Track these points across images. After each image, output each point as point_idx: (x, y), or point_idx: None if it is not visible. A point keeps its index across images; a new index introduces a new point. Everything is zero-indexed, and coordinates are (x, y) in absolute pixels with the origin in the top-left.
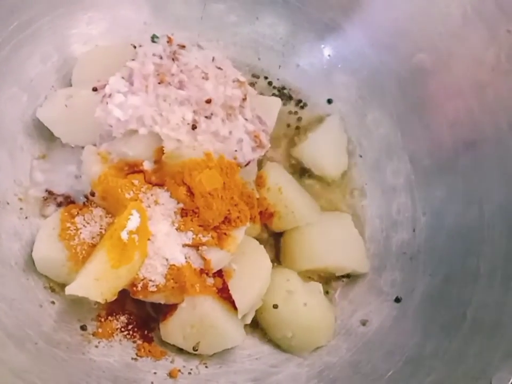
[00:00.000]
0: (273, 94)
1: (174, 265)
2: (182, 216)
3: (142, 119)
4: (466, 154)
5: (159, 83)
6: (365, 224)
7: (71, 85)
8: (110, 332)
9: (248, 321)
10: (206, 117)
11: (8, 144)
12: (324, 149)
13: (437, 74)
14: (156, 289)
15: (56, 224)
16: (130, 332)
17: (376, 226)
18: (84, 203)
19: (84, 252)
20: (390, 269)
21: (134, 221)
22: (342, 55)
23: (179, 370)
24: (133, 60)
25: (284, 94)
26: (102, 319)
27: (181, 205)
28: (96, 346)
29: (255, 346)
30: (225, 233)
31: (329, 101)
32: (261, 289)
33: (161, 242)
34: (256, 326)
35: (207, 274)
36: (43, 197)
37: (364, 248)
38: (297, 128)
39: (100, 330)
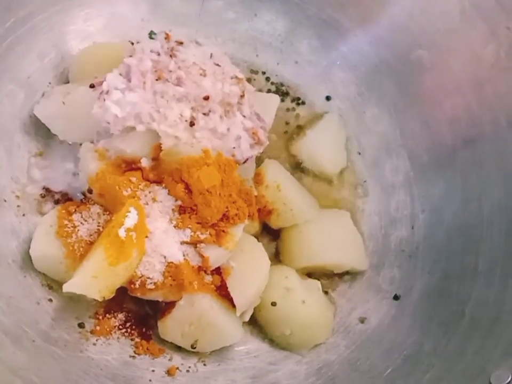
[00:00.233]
0: (272, 91)
1: (172, 262)
2: (180, 214)
3: (140, 116)
4: (465, 151)
5: (156, 80)
6: (363, 221)
7: (68, 82)
8: (108, 329)
9: (247, 318)
10: (204, 114)
11: (5, 141)
12: (322, 146)
13: (436, 71)
14: (153, 286)
15: (54, 221)
16: (128, 330)
17: (375, 224)
18: (81, 200)
19: (81, 249)
20: (388, 266)
21: (131, 218)
22: (341, 51)
23: (177, 368)
24: (130, 56)
25: (282, 91)
26: (100, 317)
27: (179, 202)
28: (94, 344)
29: (253, 344)
30: (223, 231)
31: (328, 98)
32: (259, 286)
33: (159, 240)
34: (255, 324)
35: (205, 271)
36: (40, 194)
37: (363, 245)
38: (296, 125)
39: (97, 328)
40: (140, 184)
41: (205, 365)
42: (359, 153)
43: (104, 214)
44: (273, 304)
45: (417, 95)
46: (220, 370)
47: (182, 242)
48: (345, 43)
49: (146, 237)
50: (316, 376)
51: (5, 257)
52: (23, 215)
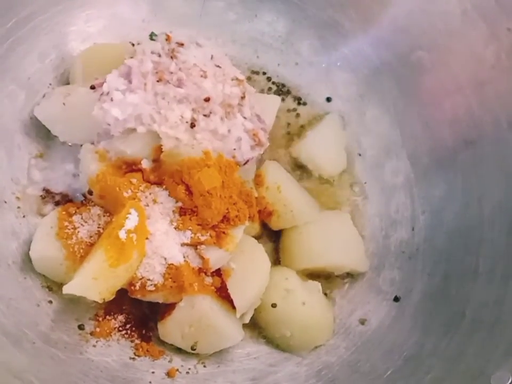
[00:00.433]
0: (272, 92)
1: (172, 264)
2: (180, 215)
3: (140, 117)
4: (466, 152)
5: (157, 81)
6: (364, 223)
7: (69, 83)
8: (108, 331)
9: (247, 320)
10: (205, 115)
11: (5, 143)
12: (323, 147)
13: (437, 72)
14: (154, 288)
15: (54, 223)
16: (128, 331)
17: (375, 225)
18: (81, 202)
19: (81, 250)
20: (389, 268)
21: (132, 220)
22: (342, 52)
23: (177, 370)
24: (131, 57)
25: (282, 92)
26: (100, 319)
27: (180, 204)
28: (94, 346)
29: (253, 346)
30: (223, 232)
31: (328, 99)
32: (259, 288)
33: (159, 241)
34: (255, 325)
35: (205, 273)
36: (41, 196)
37: (363, 247)
38: (296, 126)
39: (97, 329)
40: (140, 186)
41: (205, 366)
42: (360, 155)
43: (104, 216)
44: (274, 305)
45: (417, 96)
46: (219, 372)
47: (183, 244)
48: (346, 44)
49: (147, 238)
50: (316, 378)
51: (5, 259)
52: (23, 216)
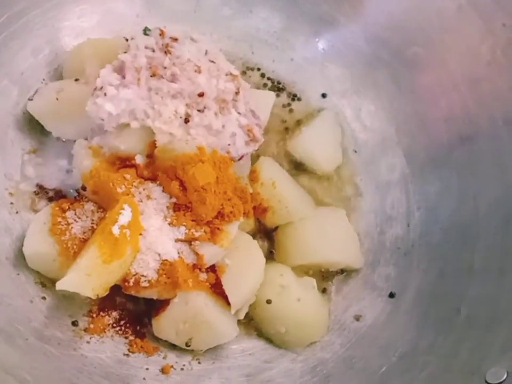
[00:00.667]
0: (267, 88)
1: (166, 260)
2: (174, 211)
3: (134, 113)
4: (461, 149)
5: (151, 76)
6: (359, 219)
7: (62, 78)
8: (101, 327)
9: (242, 316)
10: (199, 111)
11: None
12: (318, 144)
13: (432, 68)
14: (148, 284)
15: (47, 218)
16: (122, 328)
17: (370, 222)
18: (75, 197)
19: (75, 246)
20: (384, 264)
21: (125, 216)
22: (337, 48)
23: (172, 366)
24: (125, 52)
25: (277, 87)
26: (94, 315)
27: (174, 200)
28: (88, 342)
29: (248, 342)
30: (218, 228)
31: (324, 95)
32: (254, 284)
33: (153, 237)
34: (250, 322)
35: (200, 269)
36: (34, 192)
37: (358, 243)
38: (291, 122)
39: (91, 326)
40: (134, 181)
41: (199, 363)
42: (355, 151)
43: (98, 211)
44: (268, 302)
45: (413, 92)
46: (214, 369)
47: (177, 240)
48: (341, 40)
49: (141, 234)
50: (310, 374)
51: None
52: (17, 212)
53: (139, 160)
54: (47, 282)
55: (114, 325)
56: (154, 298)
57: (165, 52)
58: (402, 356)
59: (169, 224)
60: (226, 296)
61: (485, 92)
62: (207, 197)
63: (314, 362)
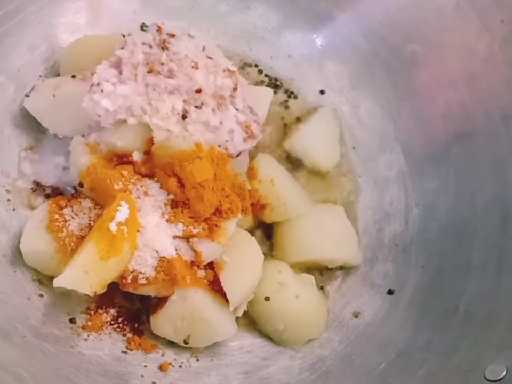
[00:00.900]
0: (265, 85)
1: (164, 257)
2: (172, 208)
3: (131, 109)
4: (459, 146)
5: (148, 72)
6: (357, 216)
7: (59, 75)
8: (99, 325)
9: (240, 313)
10: (196, 107)
11: None
12: (316, 141)
13: (429, 65)
14: (146, 281)
15: (44, 216)
16: (120, 325)
17: (368, 218)
18: (72, 194)
19: (72, 243)
20: (382, 261)
21: (122, 212)
22: (334, 45)
23: (170, 364)
24: (122, 48)
25: (275, 84)
26: (92, 312)
27: (171, 196)
28: (86, 340)
29: (246, 339)
30: (216, 225)
31: (322, 92)
32: (252, 281)
33: (151, 234)
34: (248, 319)
35: (198, 266)
36: (31, 189)
37: (357, 240)
38: (289, 119)
39: (89, 323)
40: (131, 178)
41: (197, 360)
42: (353, 148)
43: (95, 208)
44: (267, 299)
45: (410, 89)
46: (212, 366)
47: (175, 237)
48: (339, 37)
49: (138, 231)
50: (309, 371)
51: None
52: (14, 209)
53: (136, 156)
54: (44, 279)
55: (112, 322)
56: (152, 295)
57: (162, 48)
58: (401, 352)
59: (167, 221)
60: (225, 293)
61: (482, 88)
62: (204, 194)
63: (313, 359)
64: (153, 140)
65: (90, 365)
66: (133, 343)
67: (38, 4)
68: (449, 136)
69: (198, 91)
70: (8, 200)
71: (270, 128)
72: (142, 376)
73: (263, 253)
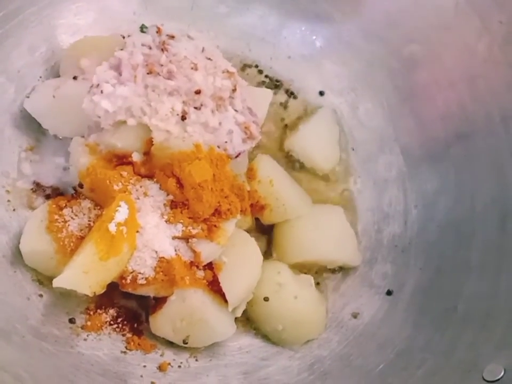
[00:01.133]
0: (265, 86)
1: (163, 257)
2: (171, 208)
3: (131, 110)
4: (458, 146)
5: (148, 73)
6: (356, 217)
7: (59, 76)
8: (99, 325)
9: (239, 314)
10: (196, 108)
11: None
12: (315, 142)
13: (429, 66)
14: (145, 282)
15: (44, 216)
16: (120, 325)
17: (368, 219)
18: (72, 195)
19: (72, 244)
20: (381, 261)
21: (122, 213)
22: (334, 46)
23: (169, 364)
24: (121, 49)
25: (275, 85)
26: (91, 312)
27: (171, 197)
28: (85, 340)
29: (245, 340)
30: (215, 226)
31: (321, 93)
32: (251, 282)
33: (150, 235)
34: (247, 319)
35: (197, 267)
36: (31, 189)
37: (356, 241)
38: (289, 120)
39: (88, 323)
40: (131, 179)
41: (196, 360)
42: (353, 149)
43: (95, 209)
44: (266, 299)
45: (410, 90)
46: (211, 366)
47: (174, 237)
48: (339, 37)
49: (137, 231)
50: (308, 372)
51: None
52: (14, 209)
53: (136, 157)
54: (44, 279)
55: (112, 322)
56: (152, 295)
57: (162, 49)
58: (400, 353)
59: (166, 221)
60: (224, 293)
61: (481, 89)
62: (203, 194)
63: (312, 360)
64: (152, 141)
65: (90, 365)
66: (132, 343)
67: (38, 5)
68: (449, 137)
69: (197, 92)
70: (8, 200)
71: (269, 128)
72: (141, 376)
73: (262, 254)
